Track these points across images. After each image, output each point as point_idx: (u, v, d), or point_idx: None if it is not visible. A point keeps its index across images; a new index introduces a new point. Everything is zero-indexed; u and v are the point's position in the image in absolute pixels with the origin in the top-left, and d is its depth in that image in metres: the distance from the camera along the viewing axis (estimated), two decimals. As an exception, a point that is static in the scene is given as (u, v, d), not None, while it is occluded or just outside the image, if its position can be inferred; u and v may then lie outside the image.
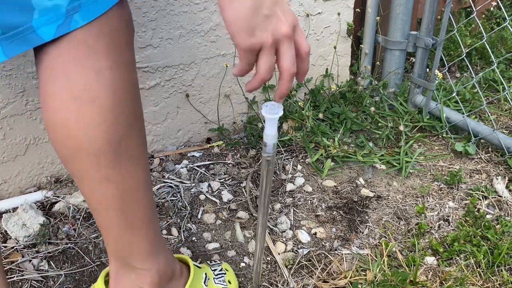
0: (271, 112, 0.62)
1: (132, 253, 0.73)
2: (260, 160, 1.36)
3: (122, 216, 0.68)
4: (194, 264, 0.89)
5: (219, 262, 1.04)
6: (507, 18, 1.35)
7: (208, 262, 1.04)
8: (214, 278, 0.92)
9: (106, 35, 0.59)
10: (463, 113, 1.46)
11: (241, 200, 1.24)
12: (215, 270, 0.95)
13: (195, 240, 1.11)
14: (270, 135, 0.65)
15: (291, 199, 1.24)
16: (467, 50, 1.66)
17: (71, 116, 0.59)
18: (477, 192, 1.24)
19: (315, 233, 1.13)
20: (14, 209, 1.14)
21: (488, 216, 1.15)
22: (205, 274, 0.91)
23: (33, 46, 0.56)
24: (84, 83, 0.58)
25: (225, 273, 0.95)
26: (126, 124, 0.63)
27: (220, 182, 1.30)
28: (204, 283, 0.88)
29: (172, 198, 1.22)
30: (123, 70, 0.61)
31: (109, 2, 0.58)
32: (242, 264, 1.05)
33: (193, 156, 1.40)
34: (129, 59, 0.64)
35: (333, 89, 1.60)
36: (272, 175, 0.76)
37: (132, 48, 0.65)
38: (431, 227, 1.14)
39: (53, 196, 1.19)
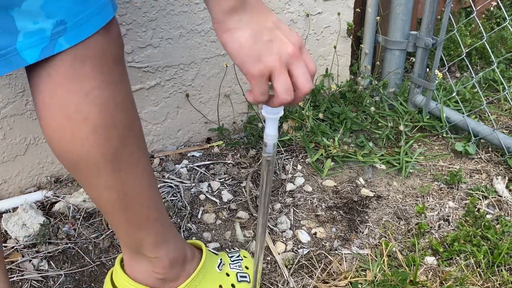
0: (272, 112, 0.62)
1: (142, 245, 0.77)
2: (260, 160, 1.36)
3: (127, 217, 0.73)
4: (209, 250, 0.94)
5: (237, 249, 1.06)
6: (507, 18, 1.35)
7: (227, 250, 1.07)
8: (230, 263, 0.95)
9: (92, 58, 0.59)
10: (463, 113, 1.46)
11: (241, 200, 1.24)
12: (232, 256, 0.98)
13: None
14: (270, 135, 0.65)
15: (291, 199, 1.24)
16: (467, 50, 1.66)
17: (66, 135, 0.62)
18: (477, 192, 1.24)
19: (315, 233, 1.13)
20: (14, 209, 1.14)
21: (488, 216, 1.15)
22: (221, 259, 0.94)
23: (16, 68, 0.57)
24: (75, 105, 0.60)
25: (242, 259, 0.98)
26: (121, 136, 0.65)
27: (220, 182, 1.30)
28: (218, 267, 0.91)
29: (172, 198, 1.22)
30: (112, 88, 0.63)
31: (94, 26, 0.59)
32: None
33: (193, 156, 1.40)
34: (119, 76, 0.65)
35: (333, 89, 1.60)
36: (272, 175, 0.76)
37: (122, 63, 0.66)
38: (431, 227, 1.14)
39: (53, 196, 1.19)
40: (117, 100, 0.64)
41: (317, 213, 1.19)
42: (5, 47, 0.55)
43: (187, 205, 1.20)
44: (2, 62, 0.56)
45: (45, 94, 0.60)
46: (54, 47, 0.56)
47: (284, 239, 1.11)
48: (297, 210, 1.20)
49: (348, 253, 1.07)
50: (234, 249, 1.08)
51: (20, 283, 0.97)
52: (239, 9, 0.53)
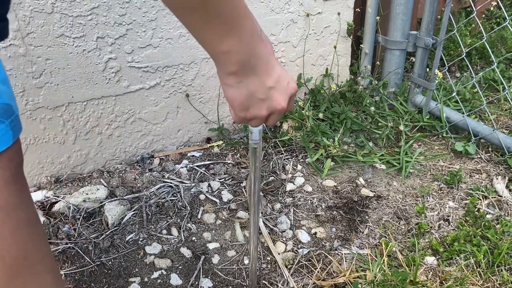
0: None
1: None
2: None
3: None
4: None
5: None
6: (507, 17, 1.35)
7: None
8: None
9: None
10: (463, 113, 1.46)
11: (241, 200, 1.24)
12: None
13: (195, 240, 1.11)
14: None
15: (291, 199, 1.24)
16: (467, 50, 1.66)
17: None
18: (477, 192, 1.24)
19: (315, 233, 1.13)
20: (14, 209, 1.14)
21: (488, 216, 1.15)
22: None
23: None
24: None
25: None
26: (9, 270, 0.55)
27: (220, 182, 1.30)
28: None
29: (172, 198, 1.22)
30: None
31: None
32: (246, 262, 1.05)
33: (193, 156, 1.40)
34: (12, 199, 0.55)
35: (333, 89, 1.60)
36: (261, 163, 0.75)
37: (18, 183, 0.57)
38: (431, 227, 1.14)
39: (53, 196, 1.19)
40: (5, 229, 0.54)
41: (317, 213, 1.19)
42: None
43: (187, 205, 1.20)
44: None
45: None
46: None
47: (284, 239, 1.11)
48: (297, 210, 1.20)
49: (348, 253, 1.07)
50: None
51: (20, 283, 0.97)
52: (240, 73, 0.55)
